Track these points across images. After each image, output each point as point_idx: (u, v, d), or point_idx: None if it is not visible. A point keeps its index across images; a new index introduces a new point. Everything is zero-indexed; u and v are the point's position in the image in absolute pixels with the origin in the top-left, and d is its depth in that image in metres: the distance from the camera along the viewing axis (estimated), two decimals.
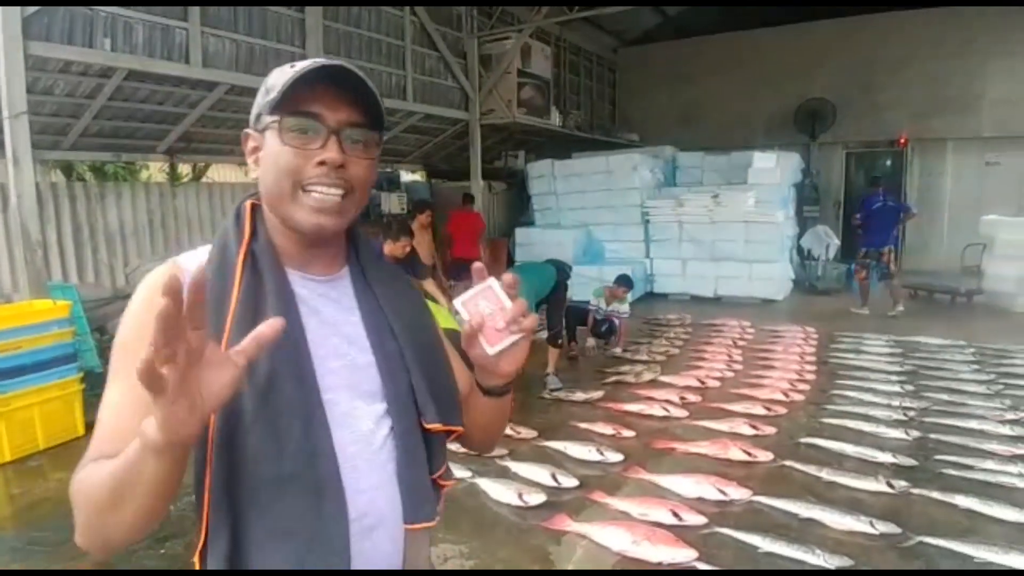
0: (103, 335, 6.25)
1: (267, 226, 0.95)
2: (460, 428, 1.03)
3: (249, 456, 0.82)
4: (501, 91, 10.45)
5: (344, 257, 1.01)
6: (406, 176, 11.45)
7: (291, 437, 0.84)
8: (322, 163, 0.86)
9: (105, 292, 6.49)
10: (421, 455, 0.98)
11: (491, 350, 0.90)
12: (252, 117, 0.94)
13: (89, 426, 4.73)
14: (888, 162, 13.74)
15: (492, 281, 0.89)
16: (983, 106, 12.11)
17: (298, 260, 0.95)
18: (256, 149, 0.93)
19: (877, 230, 8.59)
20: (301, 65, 0.86)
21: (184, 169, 10.71)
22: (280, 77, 0.88)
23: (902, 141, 12.85)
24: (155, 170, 10.90)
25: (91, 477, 0.77)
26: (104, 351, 5.98)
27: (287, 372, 0.86)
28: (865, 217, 8.68)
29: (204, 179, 11.10)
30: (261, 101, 0.91)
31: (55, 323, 4.56)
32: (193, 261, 0.92)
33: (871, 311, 8.68)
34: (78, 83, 5.79)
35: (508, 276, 0.89)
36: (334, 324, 0.95)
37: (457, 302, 0.90)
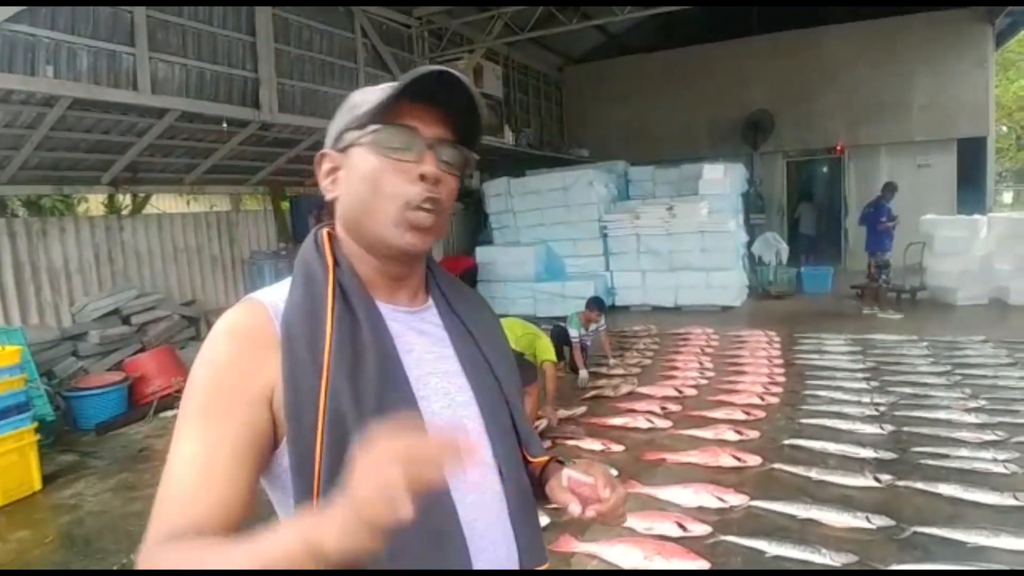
0: (51, 379, 5.91)
1: (347, 255, 0.89)
2: (550, 457, 1.01)
3: None
4: None
5: (426, 286, 0.97)
6: None
7: None
8: (422, 177, 0.82)
9: (52, 334, 6.14)
10: (531, 496, 0.95)
11: (573, 510, 0.93)
12: (331, 137, 0.89)
13: (47, 479, 4.44)
14: (826, 169, 14.35)
15: (600, 485, 0.92)
16: (912, 112, 12.81)
17: (384, 291, 0.89)
18: (334, 170, 0.89)
19: (867, 236, 9.05)
20: (408, 76, 0.81)
21: (124, 200, 10.26)
22: (369, 95, 0.85)
23: (839, 148, 13.44)
24: (94, 203, 10.42)
25: (196, 563, 0.65)
26: (53, 397, 5.63)
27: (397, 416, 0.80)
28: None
29: (147, 210, 10.64)
30: (345, 118, 0.87)
31: (5, 370, 4.26)
32: (275, 296, 0.85)
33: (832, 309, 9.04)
34: (19, 112, 5.47)
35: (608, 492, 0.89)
36: (430, 361, 0.89)
37: (566, 472, 0.93)
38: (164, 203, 12.06)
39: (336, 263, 0.86)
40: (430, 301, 0.95)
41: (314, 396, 0.77)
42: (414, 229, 0.84)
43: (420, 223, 0.83)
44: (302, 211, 9.48)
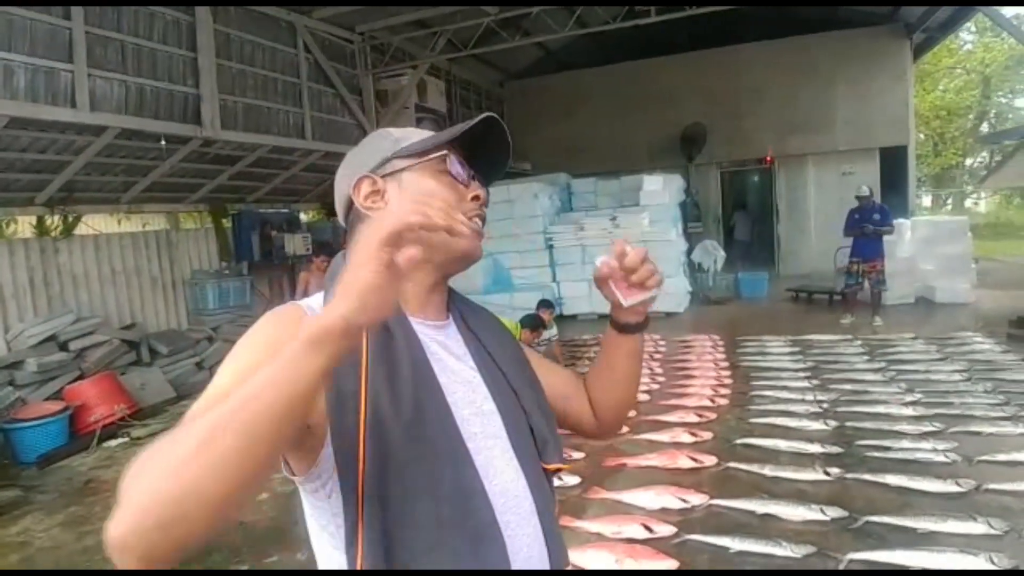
0: None
1: None
2: (569, 466, 1.08)
3: (404, 501, 0.80)
4: (399, 126, 10.41)
5: (447, 304, 1.03)
6: (305, 216, 11.12)
7: (443, 482, 0.83)
8: (476, 197, 0.97)
9: None
10: (552, 502, 1.00)
11: (626, 303, 1.02)
12: (373, 163, 0.97)
13: None
14: (757, 178, 14.96)
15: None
16: (836, 123, 13.55)
17: (415, 305, 0.95)
18: (375, 193, 0.96)
19: None
20: (468, 122, 0.94)
21: (55, 221, 9.79)
22: (410, 132, 1.00)
23: (768, 159, 14.04)
24: (23, 224, 9.89)
25: (203, 421, 0.62)
26: None
27: (432, 418, 0.85)
28: None
29: (81, 231, 10.16)
30: (390, 148, 0.97)
31: None
32: (312, 303, 0.92)
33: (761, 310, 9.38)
34: None
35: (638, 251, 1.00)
36: (456, 371, 0.95)
37: (598, 260, 1.02)
38: (96, 223, 11.54)
39: None
40: (450, 319, 1.01)
41: (355, 399, 0.81)
42: (479, 235, 0.96)
43: (479, 229, 0.96)
44: (245, 228, 9.25)
